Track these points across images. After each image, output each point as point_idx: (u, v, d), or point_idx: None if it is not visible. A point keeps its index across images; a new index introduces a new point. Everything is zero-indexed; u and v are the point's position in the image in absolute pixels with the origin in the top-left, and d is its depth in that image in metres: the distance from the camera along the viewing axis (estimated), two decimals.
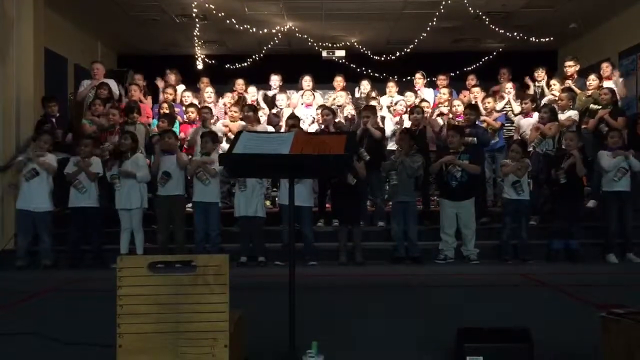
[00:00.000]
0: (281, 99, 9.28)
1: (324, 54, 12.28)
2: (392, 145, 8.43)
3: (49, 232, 7.29)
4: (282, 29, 11.25)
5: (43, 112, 8.32)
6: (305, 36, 11.63)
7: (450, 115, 8.80)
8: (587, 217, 7.78)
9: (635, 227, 7.43)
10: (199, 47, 11.49)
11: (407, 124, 8.49)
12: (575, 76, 9.09)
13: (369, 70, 11.74)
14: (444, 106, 9.12)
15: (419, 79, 9.94)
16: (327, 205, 8.19)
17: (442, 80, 9.73)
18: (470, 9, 10.19)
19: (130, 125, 8.06)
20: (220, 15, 10.33)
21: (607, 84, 8.68)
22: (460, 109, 8.62)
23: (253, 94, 9.41)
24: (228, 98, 9.40)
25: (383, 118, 8.79)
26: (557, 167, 7.24)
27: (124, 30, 11.73)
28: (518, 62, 10.44)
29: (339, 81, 9.59)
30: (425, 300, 5.21)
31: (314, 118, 8.77)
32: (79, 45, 11.53)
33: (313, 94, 9.35)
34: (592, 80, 8.65)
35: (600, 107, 8.23)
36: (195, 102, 9.14)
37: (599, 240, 7.52)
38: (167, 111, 8.75)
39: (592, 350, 3.20)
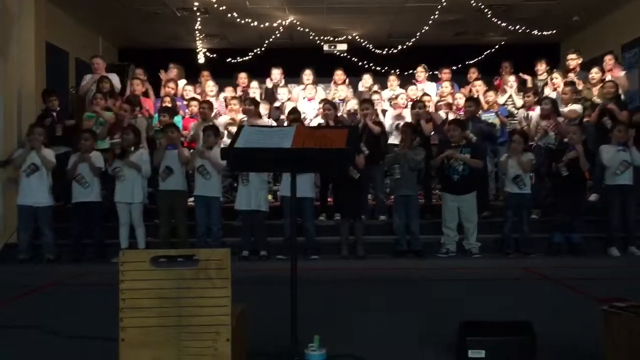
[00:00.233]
0: (282, 93, 9.27)
1: (326, 47, 12.25)
2: (393, 139, 8.43)
3: (50, 226, 7.31)
4: (283, 22, 11.23)
5: (44, 106, 8.33)
6: (307, 30, 11.60)
7: (453, 108, 8.79)
8: (589, 211, 7.77)
9: (638, 221, 7.42)
10: (200, 41, 11.48)
11: (408, 118, 8.47)
12: (578, 69, 9.07)
13: (371, 64, 11.72)
14: (446, 99, 9.12)
15: (420, 73, 9.92)
16: (329, 199, 8.20)
17: (444, 73, 9.71)
18: (472, 1, 10.16)
19: (131, 119, 8.05)
20: (221, 8, 10.31)
21: (610, 77, 8.66)
22: (462, 102, 8.61)
23: (255, 89, 9.40)
24: (229, 92, 9.39)
25: (384, 111, 8.80)
26: (559, 160, 7.23)
27: (125, 24, 11.70)
28: (520, 55, 10.41)
29: (339, 75, 9.58)
30: (427, 294, 5.22)
31: (316, 112, 8.76)
32: (80, 39, 11.52)
33: (315, 88, 9.34)
34: (595, 74, 8.63)
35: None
36: (197, 96, 9.13)
37: (601, 233, 7.51)
38: (169, 105, 8.75)
39: (594, 344, 3.20)
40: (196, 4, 10.17)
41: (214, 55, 11.91)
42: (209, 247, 6.84)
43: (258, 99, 9.07)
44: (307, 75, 9.37)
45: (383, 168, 7.99)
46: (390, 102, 9.17)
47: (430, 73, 10.13)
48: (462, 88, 9.94)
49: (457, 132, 7.33)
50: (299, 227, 6.98)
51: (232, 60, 11.79)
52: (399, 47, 11.80)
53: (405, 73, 10.68)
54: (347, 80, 9.69)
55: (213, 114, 8.50)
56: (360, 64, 11.82)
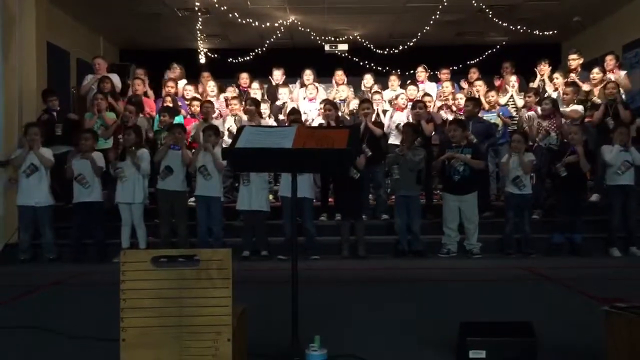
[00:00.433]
0: (283, 93, 9.27)
1: (327, 47, 12.25)
2: (393, 139, 8.42)
3: (51, 226, 7.32)
4: (284, 22, 11.23)
5: (44, 106, 8.33)
6: (308, 30, 11.60)
7: (454, 109, 8.78)
8: (590, 211, 7.77)
9: (639, 221, 7.40)
10: (201, 41, 11.48)
11: (406, 118, 8.45)
12: (579, 69, 9.06)
13: (372, 64, 11.71)
14: (447, 99, 9.11)
15: (421, 73, 9.92)
16: (329, 200, 8.19)
17: (444, 74, 9.71)
18: (473, 2, 10.16)
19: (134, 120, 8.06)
20: (222, 8, 10.31)
21: (610, 77, 8.65)
22: (463, 102, 8.60)
23: (256, 90, 9.40)
24: (230, 92, 9.39)
25: (385, 111, 8.79)
26: (559, 161, 7.23)
27: (126, 24, 11.70)
28: (521, 55, 10.41)
29: (339, 75, 9.57)
30: (427, 294, 5.21)
31: (318, 112, 8.76)
32: (81, 39, 11.53)
33: (316, 88, 9.34)
34: (596, 74, 8.62)
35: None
36: (198, 95, 9.13)
37: (602, 234, 7.50)
38: (170, 104, 8.76)
39: (595, 344, 3.20)
40: (197, 4, 10.17)
41: (215, 55, 11.92)
42: (210, 247, 6.84)
43: (259, 99, 9.08)
44: (308, 75, 9.37)
45: (384, 168, 7.99)
46: (391, 103, 9.17)
47: (431, 73, 10.12)
48: (462, 88, 9.94)
49: (458, 132, 7.32)
50: (299, 227, 6.98)
51: (233, 61, 11.79)
52: (400, 47, 11.80)
53: (407, 73, 10.68)
54: (345, 80, 9.67)
55: (215, 114, 8.50)
56: (361, 64, 11.82)
